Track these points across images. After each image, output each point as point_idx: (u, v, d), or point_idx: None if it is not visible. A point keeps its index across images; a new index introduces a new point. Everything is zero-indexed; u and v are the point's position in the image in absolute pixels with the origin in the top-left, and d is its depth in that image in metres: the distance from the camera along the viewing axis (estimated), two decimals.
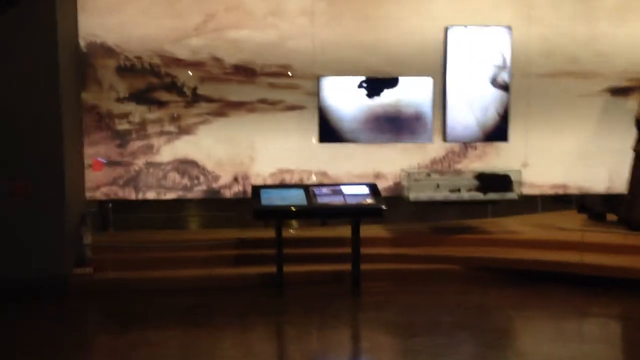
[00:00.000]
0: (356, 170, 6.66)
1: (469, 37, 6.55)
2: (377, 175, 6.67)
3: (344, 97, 6.52)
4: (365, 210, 5.69)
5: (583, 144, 6.86)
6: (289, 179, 6.64)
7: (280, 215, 5.64)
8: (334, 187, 5.98)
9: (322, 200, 5.72)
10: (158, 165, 6.55)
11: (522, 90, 6.73)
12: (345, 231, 5.98)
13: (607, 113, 6.84)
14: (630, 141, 6.57)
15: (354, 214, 5.70)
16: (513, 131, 6.71)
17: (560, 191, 6.94)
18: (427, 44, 6.56)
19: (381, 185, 6.52)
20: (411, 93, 6.57)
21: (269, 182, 6.58)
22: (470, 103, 6.63)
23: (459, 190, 6.48)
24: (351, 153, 6.65)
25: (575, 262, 5.72)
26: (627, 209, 6.57)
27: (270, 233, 5.97)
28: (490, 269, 5.98)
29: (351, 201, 5.73)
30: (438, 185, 6.50)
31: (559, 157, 6.85)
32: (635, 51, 6.76)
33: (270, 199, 5.68)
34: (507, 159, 6.78)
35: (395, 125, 6.59)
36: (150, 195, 6.60)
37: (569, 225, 6.89)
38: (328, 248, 6.25)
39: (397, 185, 6.68)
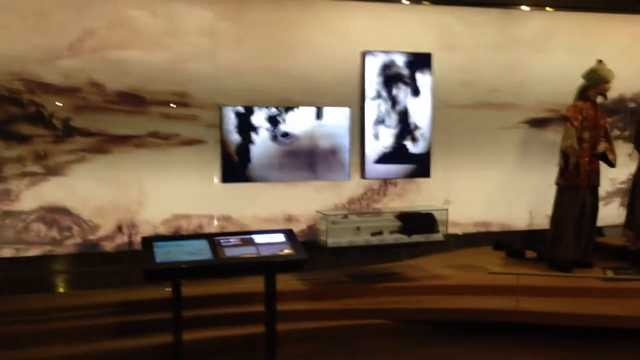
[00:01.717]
0: (265, 214, 5.80)
1: (389, 63, 5.97)
2: (289, 219, 5.85)
3: (251, 129, 5.66)
4: (283, 262, 4.81)
5: (504, 179, 6.49)
6: (186, 226, 5.63)
7: (181, 274, 4.61)
8: (244, 235, 5.05)
9: (230, 252, 4.77)
10: (17, 214, 5.28)
11: (443, 122, 6.24)
12: (253, 284, 5.08)
13: (526, 146, 6.53)
14: (550, 175, 6.25)
15: (270, 267, 4.80)
16: (434, 166, 6.18)
17: (482, 229, 6.50)
18: (343, 71, 5.90)
19: (294, 229, 5.70)
20: (327, 125, 5.85)
21: (162, 231, 5.53)
22: (392, 134, 6.03)
23: (381, 232, 5.80)
24: (259, 194, 5.78)
25: (510, 310, 5.20)
26: (551, 248, 6.20)
27: (163, 292, 4.93)
28: (419, 321, 5.33)
29: (266, 252, 4.83)
30: (358, 228, 5.79)
31: (481, 193, 6.42)
32: (553, 81, 6.52)
33: (167, 253, 4.63)
34: (428, 196, 6.23)
35: (308, 161, 5.82)
36: (7, 252, 5.30)
37: (489, 265, 6.45)
38: (235, 307, 5.30)
39: (312, 229, 5.89)
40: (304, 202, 5.88)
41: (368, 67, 5.90)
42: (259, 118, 5.69)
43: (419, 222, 5.86)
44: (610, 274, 5.64)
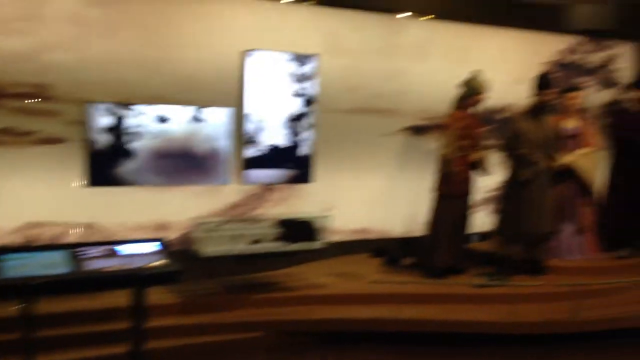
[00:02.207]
0: (135, 221, 5.34)
1: (272, 63, 5.73)
2: (162, 226, 5.44)
3: (120, 127, 5.19)
4: (153, 275, 4.40)
5: (384, 186, 6.49)
6: (42, 235, 5.04)
7: (32, 290, 4.06)
8: (110, 245, 4.58)
9: (93, 265, 4.30)
10: None
11: (327, 127, 6.11)
12: (118, 298, 4.64)
13: (405, 153, 6.57)
14: (428, 182, 6.32)
15: (138, 281, 4.38)
16: (317, 172, 6.03)
17: (361, 236, 6.45)
18: (224, 69, 5.58)
19: (167, 238, 5.31)
20: (205, 125, 5.50)
21: (13, 240, 4.91)
22: (273, 138, 5.80)
23: (259, 240, 5.56)
24: (128, 199, 5.32)
25: (391, 318, 5.17)
26: (426, 255, 6.28)
27: (13, 310, 4.35)
28: (298, 332, 5.16)
29: (134, 264, 4.40)
30: (236, 236, 5.51)
31: (361, 200, 6.37)
32: (432, 89, 6.62)
33: (17, 267, 4.07)
34: (310, 203, 6.08)
35: (185, 164, 5.45)
36: None
37: (367, 273, 6.42)
38: (97, 324, 4.82)
39: (187, 238, 5.52)
40: (179, 208, 5.50)
41: (250, 67, 5.62)
42: (130, 116, 5.23)
43: (299, 229, 5.68)
44: (482, 280, 5.78)
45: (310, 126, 5.90)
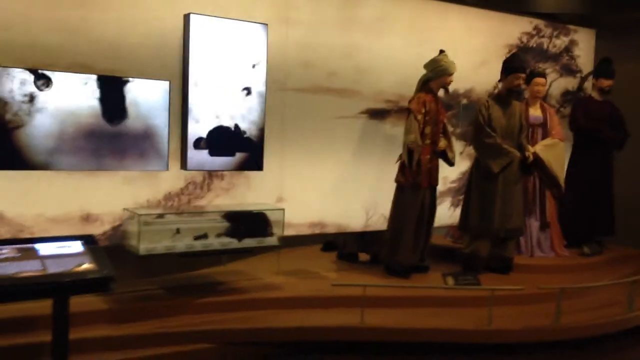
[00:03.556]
0: (53, 212, 4.42)
1: (216, 32, 4.92)
2: (87, 218, 4.56)
3: (35, 100, 4.25)
4: (80, 282, 3.55)
5: (341, 174, 5.84)
6: None
7: None
8: (24, 244, 3.69)
9: (2, 270, 3.41)
10: None
11: (278, 107, 5.37)
12: (36, 304, 3.78)
13: (365, 138, 5.94)
14: (388, 171, 5.75)
15: (61, 290, 3.52)
16: (268, 158, 5.29)
17: (318, 230, 5.78)
18: (162, 36, 4.71)
19: (94, 231, 4.48)
20: (140, 101, 4.64)
21: None
22: (219, 117, 5.01)
23: (205, 236, 4.78)
24: (45, 185, 4.39)
25: (355, 326, 4.55)
26: (389, 252, 5.71)
27: None
28: (252, 343, 4.45)
29: (55, 268, 3.54)
30: (178, 230, 4.71)
31: (317, 190, 5.70)
32: (392, 70, 6.01)
33: None
34: (260, 192, 5.34)
35: (115, 146, 4.56)
36: None
37: (323, 270, 5.81)
38: (10, 337, 3.91)
39: (118, 232, 4.67)
40: (107, 197, 4.63)
41: (193, 35, 4.79)
42: (48, 85, 4.29)
43: (250, 223, 4.95)
44: (450, 281, 5.27)
45: (260, 106, 5.15)
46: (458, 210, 6.40)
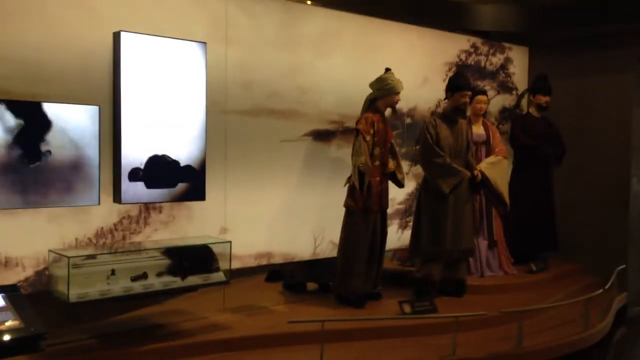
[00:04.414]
0: None
1: (152, 50, 4.51)
2: (6, 263, 3.99)
3: None
4: (5, 345, 3.02)
5: (287, 201, 5.50)
6: None
7: None
8: None
9: None
10: None
11: (219, 131, 4.99)
12: None
13: (310, 161, 5.65)
14: (335, 195, 5.48)
15: None
16: (210, 186, 4.88)
17: (265, 261, 5.41)
18: (90, 56, 4.24)
19: (14, 277, 3.94)
20: (65, 129, 4.14)
21: None
22: (155, 144, 4.57)
23: (145, 275, 4.32)
24: None
25: None
26: (341, 281, 5.41)
27: None
28: None
29: None
30: (113, 272, 4.22)
31: (262, 219, 5.33)
32: (336, 89, 5.76)
33: None
34: (202, 224, 4.92)
35: (38, 179, 4.04)
36: None
37: (270, 302, 5.46)
38: None
39: (43, 276, 4.13)
40: (30, 237, 4.08)
41: (125, 55, 4.35)
42: None
43: (194, 258, 4.53)
44: (407, 308, 5.03)
45: (200, 130, 4.76)
46: (406, 233, 6.22)
